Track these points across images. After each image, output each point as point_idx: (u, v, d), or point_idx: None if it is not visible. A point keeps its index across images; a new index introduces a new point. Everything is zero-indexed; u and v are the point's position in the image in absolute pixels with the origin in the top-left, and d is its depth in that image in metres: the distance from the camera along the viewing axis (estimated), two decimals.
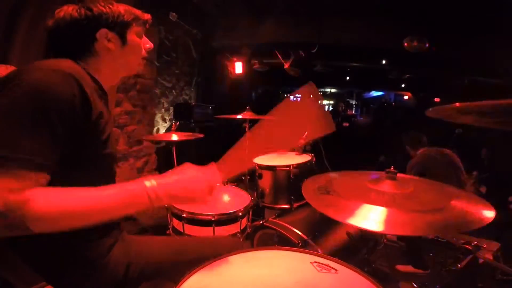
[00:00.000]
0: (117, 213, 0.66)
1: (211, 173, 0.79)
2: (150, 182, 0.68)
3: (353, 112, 12.31)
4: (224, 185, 1.99)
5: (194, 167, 0.76)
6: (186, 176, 0.74)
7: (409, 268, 2.26)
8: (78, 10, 0.79)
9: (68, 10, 0.78)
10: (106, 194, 0.65)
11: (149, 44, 0.94)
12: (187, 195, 0.74)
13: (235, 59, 4.91)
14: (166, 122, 4.23)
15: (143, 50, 0.92)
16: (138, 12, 0.88)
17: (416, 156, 2.65)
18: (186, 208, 1.55)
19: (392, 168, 0.97)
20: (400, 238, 2.51)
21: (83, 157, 0.73)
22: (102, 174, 0.82)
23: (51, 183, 0.63)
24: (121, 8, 0.84)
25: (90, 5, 0.80)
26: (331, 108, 12.14)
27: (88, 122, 0.71)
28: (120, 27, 0.83)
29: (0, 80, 0.64)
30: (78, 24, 0.78)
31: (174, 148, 2.10)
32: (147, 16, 0.91)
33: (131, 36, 0.87)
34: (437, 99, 7.45)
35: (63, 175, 0.65)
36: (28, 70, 0.65)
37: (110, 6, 0.82)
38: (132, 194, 0.67)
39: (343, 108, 11.37)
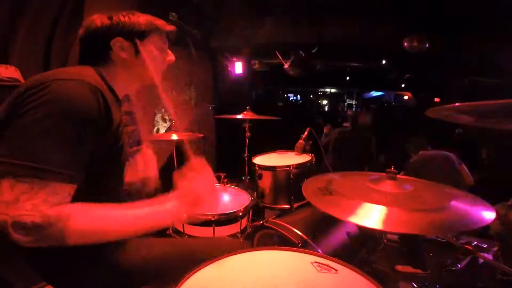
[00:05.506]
0: (143, 232, 0.71)
1: (207, 176, 0.84)
2: (175, 211, 0.75)
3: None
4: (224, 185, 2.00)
5: (194, 179, 0.81)
6: (196, 192, 0.79)
7: (408, 269, 2.26)
8: (101, 19, 0.80)
9: (93, 19, 0.81)
10: (139, 216, 0.71)
11: (170, 57, 0.92)
12: (199, 207, 0.80)
13: (235, 59, 4.91)
14: (166, 122, 4.23)
15: (162, 62, 0.90)
16: (159, 22, 0.87)
17: (414, 156, 2.71)
18: None
19: (392, 168, 0.97)
20: (401, 238, 2.52)
21: (101, 165, 0.75)
22: (115, 179, 0.84)
23: None
24: (141, 18, 0.84)
25: (112, 14, 0.81)
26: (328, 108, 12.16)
27: (109, 132, 0.73)
28: (136, 37, 0.83)
29: (25, 89, 0.64)
30: (97, 32, 0.80)
31: (174, 148, 2.10)
32: (170, 27, 0.90)
33: (148, 46, 0.85)
34: (437, 99, 7.44)
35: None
36: (55, 80, 0.65)
37: (130, 16, 0.82)
38: (160, 219, 0.74)
39: (343, 107, 11.38)
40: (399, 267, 2.28)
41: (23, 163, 0.58)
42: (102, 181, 0.77)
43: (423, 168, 2.54)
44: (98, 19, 0.80)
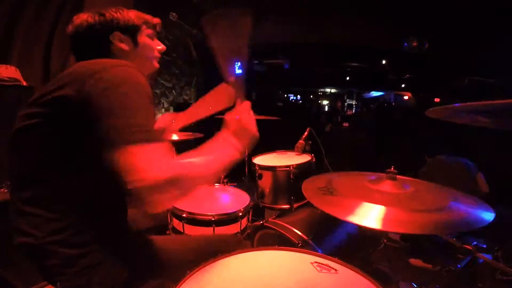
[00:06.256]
0: (220, 173, 0.84)
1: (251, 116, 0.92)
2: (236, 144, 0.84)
3: (353, 112, 12.30)
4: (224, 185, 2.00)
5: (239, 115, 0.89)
6: (245, 125, 0.87)
7: (419, 262, 2.26)
8: (93, 16, 0.85)
9: (84, 17, 0.85)
10: (216, 158, 0.77)
11: (161, 46, 1.00)
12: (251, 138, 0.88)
13: (235, 59, 4.91)
14: None
15: (155, 51, 0.99)
16: (147, 16, 0.95)
17: (430, 160, 2.64)
18: (186, 208, 1.55)
19: (392, 168, 0.97)
20: (404, 238, 2.51)
21: None
22: None
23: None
24: (132, 14, 0.91)
25: (103, 11, 0.87)
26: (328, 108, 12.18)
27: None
28: (131, 30, 0.90)
29: (87, 76, 0.69)
30: (93, 29, 0.85)
31: (174, 148, 2.10)
32: (156, 20, 0.98)
33: (143, 38, 0.93)
34: (437, 99, 7.45)
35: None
36: (109, 66, 0.71)
37: (121, 12, 0.89)
38: (231, 155, 0.81)
39: (340, 106, 11.37)
40: (412, 260, 2.28)
41: (138, 129, 0.64)
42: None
43: (438, 173, 2.47)
44: (89, 17, 0.85)
